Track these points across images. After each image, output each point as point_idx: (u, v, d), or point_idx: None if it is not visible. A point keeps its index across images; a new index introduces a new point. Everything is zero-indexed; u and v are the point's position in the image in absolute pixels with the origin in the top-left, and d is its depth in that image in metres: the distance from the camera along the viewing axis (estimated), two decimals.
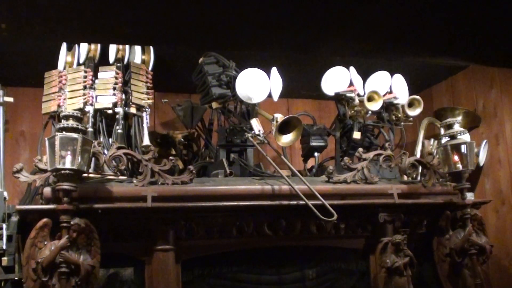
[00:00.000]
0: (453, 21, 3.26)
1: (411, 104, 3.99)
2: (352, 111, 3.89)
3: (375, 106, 3.86)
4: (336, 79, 3.94)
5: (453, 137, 3.63)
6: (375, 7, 3.03)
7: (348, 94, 3.87)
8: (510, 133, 4.32)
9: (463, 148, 3.57)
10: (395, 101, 4.01)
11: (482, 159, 4.35)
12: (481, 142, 4.35)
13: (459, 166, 3.57)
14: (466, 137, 3.73)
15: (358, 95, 3.88)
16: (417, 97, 4.00)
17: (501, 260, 4.28)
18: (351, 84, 3.92)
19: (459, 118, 3.92)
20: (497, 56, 3.84)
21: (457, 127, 3.65)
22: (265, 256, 3.56)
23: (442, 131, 3.91)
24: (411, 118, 4.08)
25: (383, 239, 3.61)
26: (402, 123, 4.06)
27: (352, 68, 3.95)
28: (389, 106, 4.02)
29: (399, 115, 4.02)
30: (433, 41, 3.54)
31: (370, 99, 3.85)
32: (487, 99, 4.54)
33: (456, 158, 3.58)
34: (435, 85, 5.15)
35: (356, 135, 3.90)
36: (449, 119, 3.71)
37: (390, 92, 4.04)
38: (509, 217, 4.28)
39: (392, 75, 4.06)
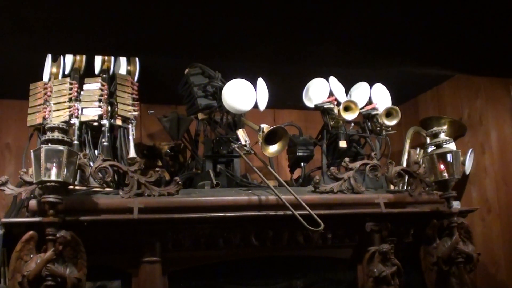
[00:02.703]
0: (437, 31, 3.27)
1: (389, 114, 3.99)
2: (333, 122, 3.89)
3: (351, 116, 3.85)
4: (316, 91, 3.96)
5: (439, 146, 3.64)
6: (360, 17, 3.04)
7: (326, 106, 3.88)
8: (495, 142, 4.34)
9: (449, 157, 3.58)
10: (374, 112, 4.01)
11: (468, 167, 4.37)
12: (467, 151, 4.36)
13: (445, 175, 3.58)
14: (452, 146, 3.75)
15: (338, 105, 3.89)
16: (395, 107, 4.00)
17: (488, 268, 4.29)
18: (330, 94, 3.93)
19: (445, 127, 3.92)
20: (482, 65, 3.87)
21: (442, 136, 3.66)
22: (252, 267, 3.55)
23: (428, 140, 3.93)
24: (390, 128, 4.08)
25: (370, 249, 3.61)
26: (384, 133, 4.05)
27: (332, 79, 3.96)
28: (370, 117, 4.03)
29: (379, 125, 4.02)
30: (418, 51, 3.55)
31: (347, 108, 3.85)
32: (473, 108, 4.56)
33: (442, 167, 3.59)
34: (421, 94, 5.17)
35: (342, 144, 3.91)
36: (434, 128, 3.72)
37: (370, 103, 4.05)
38: (496, 225, 4.30)
39: (374, 85, 4.08)
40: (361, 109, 3.92)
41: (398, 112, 3.98)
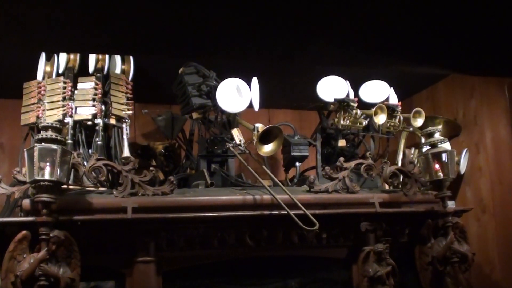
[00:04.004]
0: (432, 30, 3.27)
1: (413, 116, 4.01)
2: (348, 121, 3.86)
3: (381, 118, 3.87)
4: (334, 87, 3.93)
5: (433, 145, 3.64)
6: (355, 16, 3.03)
7: (352, 103, 3.85)
8: (490, 142, 4.35)
9: (444, 157, 3.58)
10: (398, 109, 4.02)
11: (463, 167, 4.36)
12: (462, 151, 4.36)
13: (440, 174, 3.58)
14: (446, 145, 3.74)
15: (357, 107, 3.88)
16: (420, 109, 4.01)
17: (483, 267, 4.29)
18: (348, 95, 3.92)
19: (440, 127, 3.92)
20: (477, 65, 3.87)
21: (437, 136, 3.66)
22: (247, 266, 3.54)
23: (423, 140, 3.93)
24: (411, 128, 4.10)
25: (365, 248, 3.60)
26: (393, 133, 4.06)
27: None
28: (392, 111, 4.02)
29: (398, 124, 4.01)
30: (413, 50, 3.55)
31: (374, 113, 3.86)
32: (467, 108, 4.56)
33: (437, 166, 3.58)
34: (416, 94, 5.17)
35: (342, 143, 3.92)
36: (429, 128, 3.72)
37: (387, 100, 4.05)
38: (490, 225, 4.30)
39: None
40: (382, 102, 3.94)
41: (422, 113, 3.99)
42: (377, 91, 4.08)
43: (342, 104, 3.86)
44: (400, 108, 4.03)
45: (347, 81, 3.94)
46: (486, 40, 3.42)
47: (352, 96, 3.93)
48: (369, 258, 3.58)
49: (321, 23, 3.07)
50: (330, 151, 3.99)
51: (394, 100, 4.06)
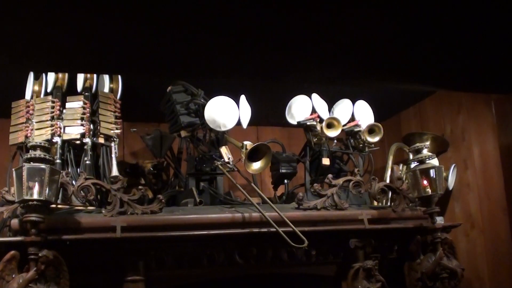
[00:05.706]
0: (418, 47, 3.29)
1: (371, 131, 4.00)
2: (315, 139, 3.90)
3: (334, 133, 3.87)
4: (299, 108, 3.98)
5: (421, 161, 3.65)
6: (341, 34, 3.05)
7: (309, 123, 3.89)
8: (478, 157, 4.36)
9: (432, 173, 3.59)
10: (356, 129, 4.03)
11: (451, 183, 4.38)
12: (450, 166, 4.38)
13: (428, 190, 3.59)
14: (434, 161, 3.75)
15: (321, 122, 3.89)
16: (377, 123, 4.02)
17: (472, 283, 4.29)
18: (313, 111, 3.94)
19: (428, 143, 3.95)
20: (463, 81, 3.89)
21: (425, 152, 3.68)
22: (236, 285, 3.53)
23: (411, 156, 3.93)
24: (373, 145, 4.09)
25: (355, 265, 3.60)
26: (367, 150, 4.07)
27: (314, 96, 3.98)
28: (352, 134, 4.04)
29: (362, 142, 4.03)
30: (399, 67, 3.57)
31: (330, 125, 3.86)
32: (455, 124, 4.58)
33: (425, 182, 3.59)
34: (403, 111, 5.19)
35: (325, 161, 3.92)
36: (417, 144, 3.73)
37: (353, 120, 4.07)
38: (479, 240, 4.30)
39: (356, 101, 4.11)
40: (343, 126, 3.93)
41: (381, 128, 3.99)
42: (344, 110, 4.10)
43: (303, 126, 3.91)
44: (358, 125, 4.05)
45: (312, 98, 3.97)
46: (472, 57, 3.44)
47: (324, 113, 3.95)
48: (358, 275, 3.58)
49: (306, 41, 3.08)
50: (318, 168, 4.00)
51: (368, 116, 4.08)
